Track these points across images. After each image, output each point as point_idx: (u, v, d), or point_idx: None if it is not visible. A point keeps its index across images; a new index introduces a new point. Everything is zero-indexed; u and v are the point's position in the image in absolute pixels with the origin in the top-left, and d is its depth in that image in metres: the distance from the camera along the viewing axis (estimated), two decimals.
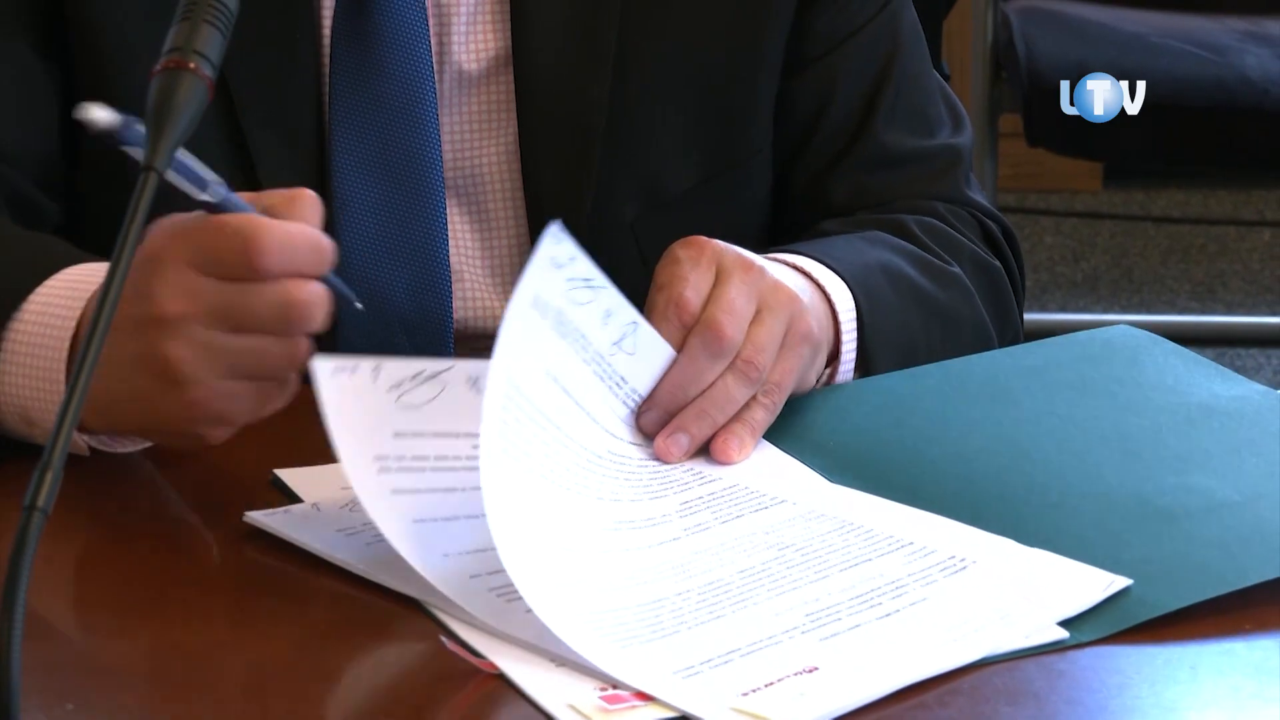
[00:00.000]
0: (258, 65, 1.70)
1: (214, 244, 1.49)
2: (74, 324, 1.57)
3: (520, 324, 1.52)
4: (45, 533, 1.24)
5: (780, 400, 1.64)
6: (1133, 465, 1.62)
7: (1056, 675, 1.39)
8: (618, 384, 1.64)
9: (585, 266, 1.57)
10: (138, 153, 1.42)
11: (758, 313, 1.62)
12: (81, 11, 1.79)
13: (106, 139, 1.39)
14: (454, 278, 1.86)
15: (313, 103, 1.81)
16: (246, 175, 1.75)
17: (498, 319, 1.73)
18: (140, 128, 1.42)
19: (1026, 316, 1.96)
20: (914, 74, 1.92)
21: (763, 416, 1.63)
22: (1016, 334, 1.92)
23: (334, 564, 1.51)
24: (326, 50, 1.81)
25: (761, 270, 1.63)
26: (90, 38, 1.80)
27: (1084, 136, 3.36)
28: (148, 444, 1.59)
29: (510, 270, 1.86)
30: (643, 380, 1.64)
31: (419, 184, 1.85)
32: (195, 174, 1.48)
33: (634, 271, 1.65)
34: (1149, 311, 3.90)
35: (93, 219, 1.75)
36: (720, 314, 1.60)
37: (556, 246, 1.52)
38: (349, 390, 1.54)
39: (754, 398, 1.63)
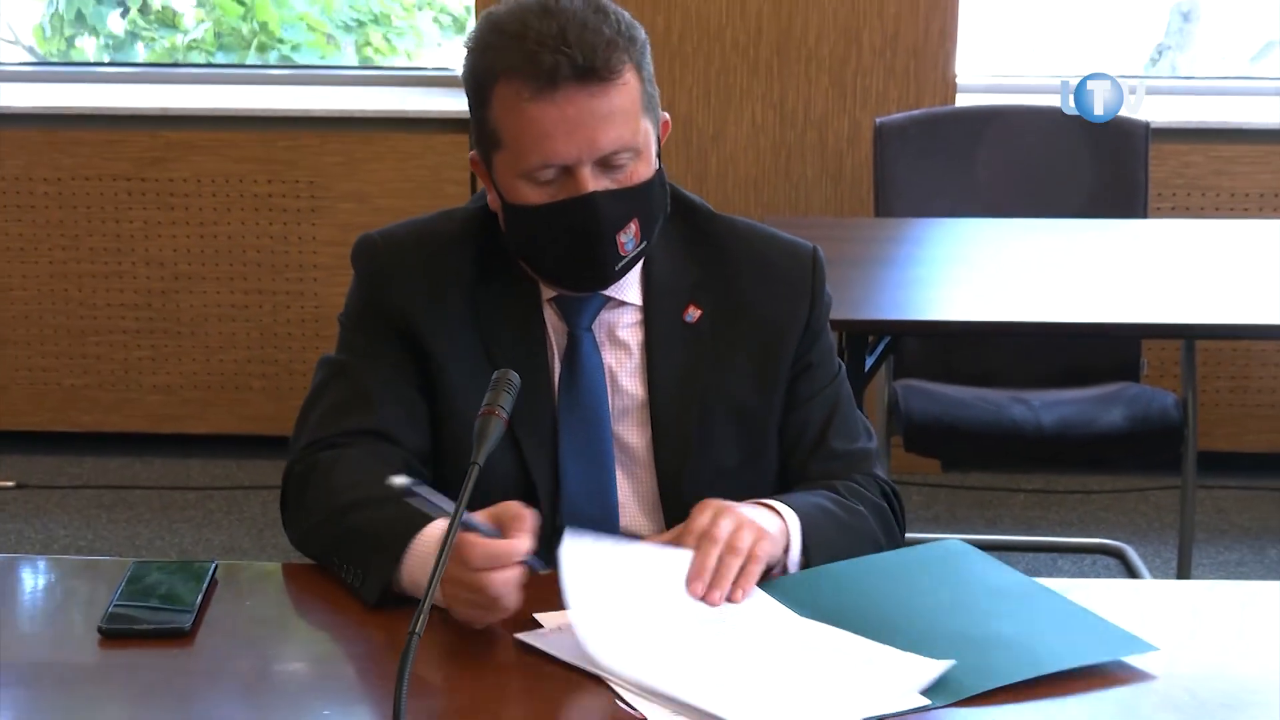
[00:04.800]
0: (525, 407, 1.64)
1: (459, 552, 1.51)
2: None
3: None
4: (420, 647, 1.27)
5: (760, 567, 1.64)
6: (959, 614, 1.61)
7: None
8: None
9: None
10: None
11: (737, 529, 1.63)
12: (436, 377, 1.78)
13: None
14: (620, 509, 1.82)
15: (549, 424, 1.79)
16: (518, 462, 1.77)
17: (644, 531, 1.82)
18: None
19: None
20: (847, 412, 1.88)
21: (755, 571, 1.63)
22: (900, 544, 1.86)
23: (563, 659, 1.48)
24: (556, 395, 1.80)
25: (737, 511, 1.65)
26: (442, 388, 1.80)
27: (933, 448, 3.34)
28: None
29: (650, 504, 1.83)
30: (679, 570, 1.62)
31: (602, 462, 1.81)
32: (470, 523, 1.51)
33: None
34: (963, 533, 3.85)
35: (445, 481, 1.68)
36: (714, 529, 1.63)
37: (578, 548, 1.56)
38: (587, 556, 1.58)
39: (747, 566, 1.62)
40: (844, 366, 1.91)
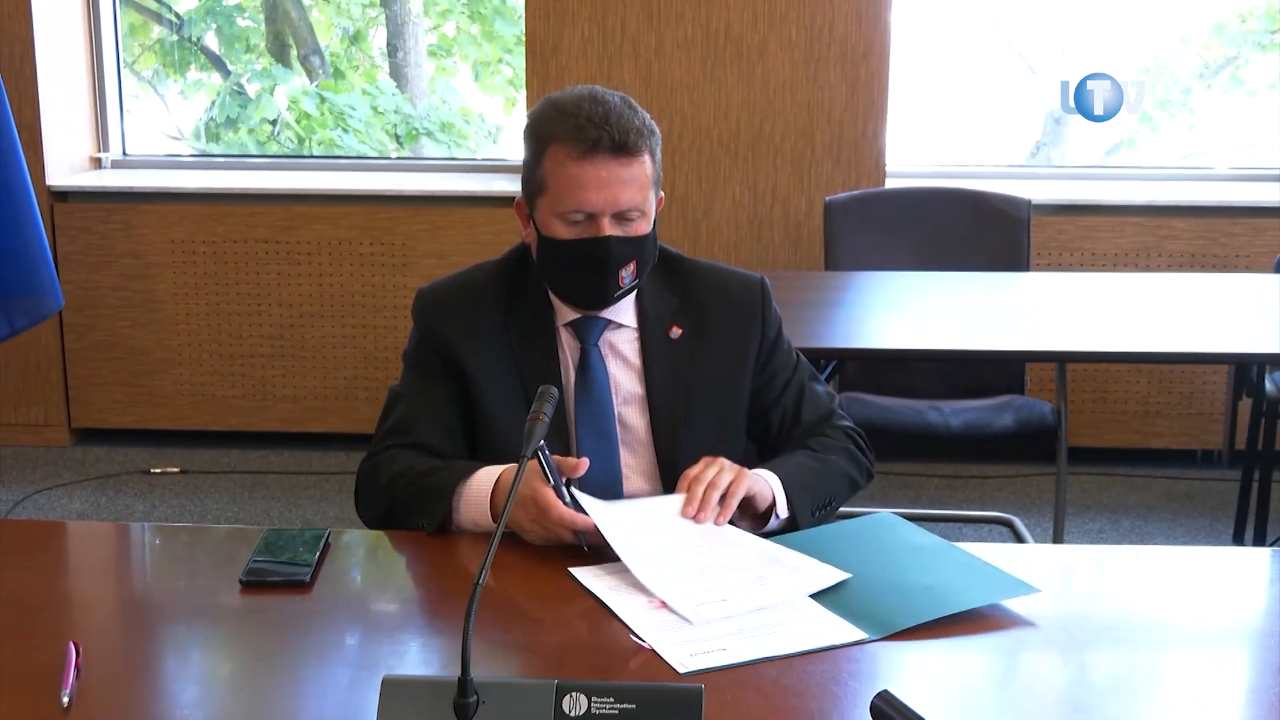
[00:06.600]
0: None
1: (542, 503, 1.55)
2: (490, 487, 1.56)
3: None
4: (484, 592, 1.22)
5: (737, 498, 1.63)
6: (888, 567, 1.55)
7: (857, 650, 1.33)
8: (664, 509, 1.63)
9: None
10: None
11: (719, 471, 1.63)
12: (476, 394, 1.74)
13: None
14: (624, 478, 1.82)
15: (564, 419, 1.77)
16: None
17: (642, 494, 1.78)
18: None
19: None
20: (811, 389, 1.85)
21: (733, 503, 1.63)
22: (870, 471, 1.86)
23: (592, 593, 1.48)
24: (571, 396, 1.73)
25: (721, 460, 1.65)
26: (481, 401, 1.75)
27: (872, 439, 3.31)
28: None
29: (649, 473, 1.81)
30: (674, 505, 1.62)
31: (608, 440, 1.79)
32: (553, 471, 1.55)
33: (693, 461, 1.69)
34: (890, 507, 3.80)
35: None
36: (702, 473, 1.64)
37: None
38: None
39: (726, 498, 1.62)
40: (800, 355, 1.93)
